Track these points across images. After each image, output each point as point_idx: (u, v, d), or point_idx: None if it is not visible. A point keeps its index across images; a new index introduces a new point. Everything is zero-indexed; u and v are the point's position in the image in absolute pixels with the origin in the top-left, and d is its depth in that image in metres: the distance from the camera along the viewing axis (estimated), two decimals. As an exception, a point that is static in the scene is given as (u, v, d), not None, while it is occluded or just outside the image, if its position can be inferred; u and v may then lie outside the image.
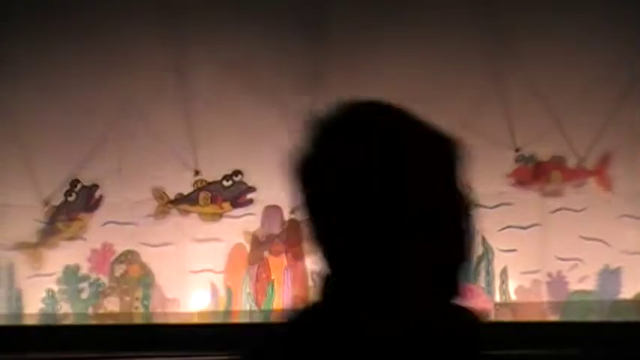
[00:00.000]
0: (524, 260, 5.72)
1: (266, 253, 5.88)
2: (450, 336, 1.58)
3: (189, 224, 5.94)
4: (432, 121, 1.63)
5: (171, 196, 5.97)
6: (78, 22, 5.94)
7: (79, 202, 6.02)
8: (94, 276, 5.97)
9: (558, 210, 5.73)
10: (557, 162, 5.76)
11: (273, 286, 5.84)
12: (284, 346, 1.60)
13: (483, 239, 5.66)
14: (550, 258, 5.70)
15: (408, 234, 1.55)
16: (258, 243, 5.88)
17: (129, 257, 5.97)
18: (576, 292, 5.69)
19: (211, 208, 5.95)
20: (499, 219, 5.69)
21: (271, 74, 5.80)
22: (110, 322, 5.91)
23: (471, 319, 1.62)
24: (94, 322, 5.94)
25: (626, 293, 5.64)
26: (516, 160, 5.77)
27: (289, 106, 5.52)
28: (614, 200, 5.67)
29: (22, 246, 5.98)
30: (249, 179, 5.93)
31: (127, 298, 5.96)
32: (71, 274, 5.96)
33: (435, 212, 1.56)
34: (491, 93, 5.64)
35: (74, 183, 6.02)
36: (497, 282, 5.74)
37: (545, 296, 5.72)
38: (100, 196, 6.01)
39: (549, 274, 5.71)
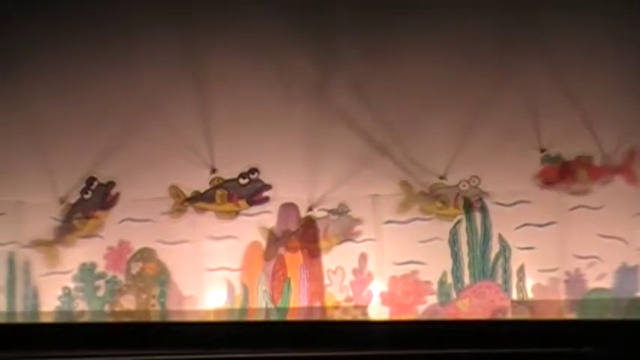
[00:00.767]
0: (542, 258, 5.71)
1: (282, 250, 5.87)
2: None
3: (206, 222, 5.95)
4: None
5: (188, 194, 5.97)
6: (93, 22, 5.95)
7: (95, 199, 6.03)
8: (110, 273, 5.98)
9: (576, 208, 5.71)
10: (584, 161, 5.77)
11: (289, 283, 5.83)
12: None
13: (501, 237, 5.65)
14: (568, 256, 5.68)
15: None
16: (275, 239, 5.89)
17: (145, 255, 5.98)
18: (594, 290, 5.67)
19: (228, 206, 5.95)
20: (516, 217, 5.69)
21: (286, 74, 5.80)
22: (126, 319, 5.92)
23: None
24: (110, 319, 5.94)
25: (644, 291, 5.64)
26: (542, 161, 5.78)
27: (306, 104, 5.52)
28: (635, 197, 5.66)
29: (38, 244, 5.99)
30: (266, 177, 5.93)
31: (144, 296, 5.96)
32: (87, 272, 5.97)
33: None
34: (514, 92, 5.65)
35: (90, 180, 6.03)
36: (514, 280, 5.72)
37: (562, 294, 5.70)
38: (117, 194, 6.01)
39: (567, 272, 5.69)
